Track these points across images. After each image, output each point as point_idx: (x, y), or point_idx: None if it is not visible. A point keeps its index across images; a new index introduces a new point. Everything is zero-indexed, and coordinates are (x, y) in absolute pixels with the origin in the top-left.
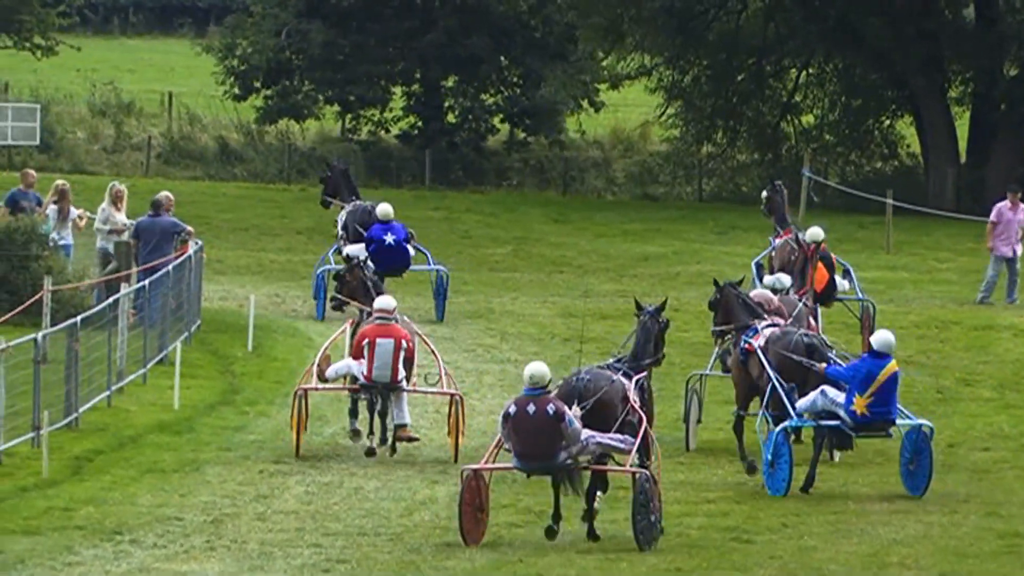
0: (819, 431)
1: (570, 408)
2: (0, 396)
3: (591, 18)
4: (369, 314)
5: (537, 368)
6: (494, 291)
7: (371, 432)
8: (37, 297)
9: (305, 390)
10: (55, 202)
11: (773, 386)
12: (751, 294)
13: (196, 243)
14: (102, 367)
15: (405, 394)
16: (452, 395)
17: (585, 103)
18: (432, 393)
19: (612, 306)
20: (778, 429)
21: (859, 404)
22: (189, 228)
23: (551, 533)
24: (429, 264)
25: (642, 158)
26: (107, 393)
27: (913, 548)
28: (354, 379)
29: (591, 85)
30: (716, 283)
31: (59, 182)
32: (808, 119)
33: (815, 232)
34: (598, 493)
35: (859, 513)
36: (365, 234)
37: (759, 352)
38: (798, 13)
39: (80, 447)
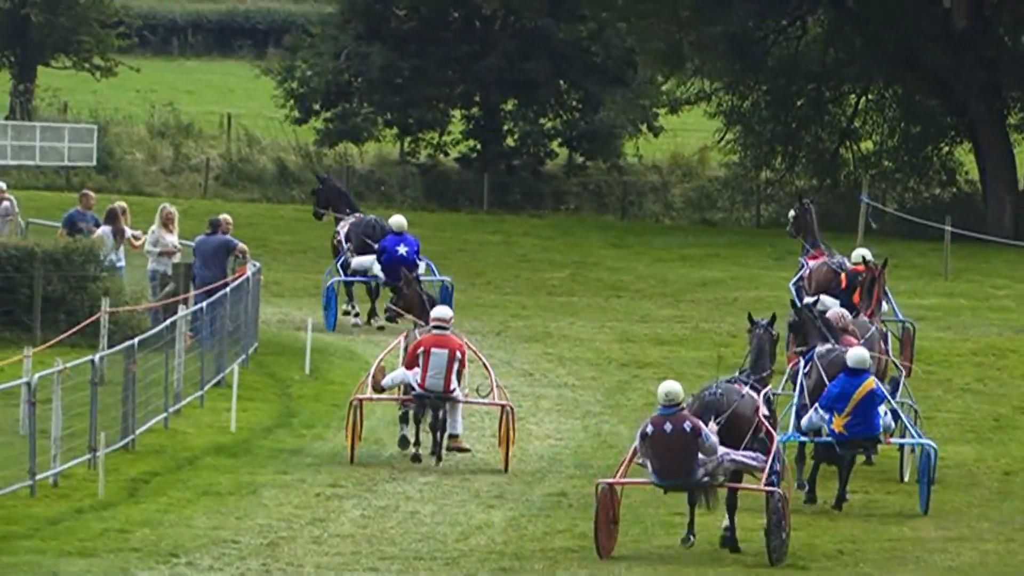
0: (813, 447)
1: (707, 423)
2: (57, 417)
3: (651, 43)
4: (420, 327)
5: (671, 386)
6: (551, 315)
7: (417, 441)
8: (94, 318)
9: (360, 400)
10: (109, 223)
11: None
12: (828, 314)
13: (254, 265)
14: (159, 389)
15: (460, 404)
16: (503, 406)
17: (644, 128)
18: (484, 404)
19: (669, 331)
20: (776, 440)
21: (837, 423)
22: (242, 245)
23: (686, 541)
24: (434, 275)
25: (700, 183)
26: (164, 415)
27: None
28: (408, 388)
29: (650, 110)
30: (794, 305)
31: (119, 204)
32: (867, 145)
33: (859, 254)
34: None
35: (915, 540)
36: (376, 245)
37: (800, 367)
38: (857, 39)
39: (136, 469)
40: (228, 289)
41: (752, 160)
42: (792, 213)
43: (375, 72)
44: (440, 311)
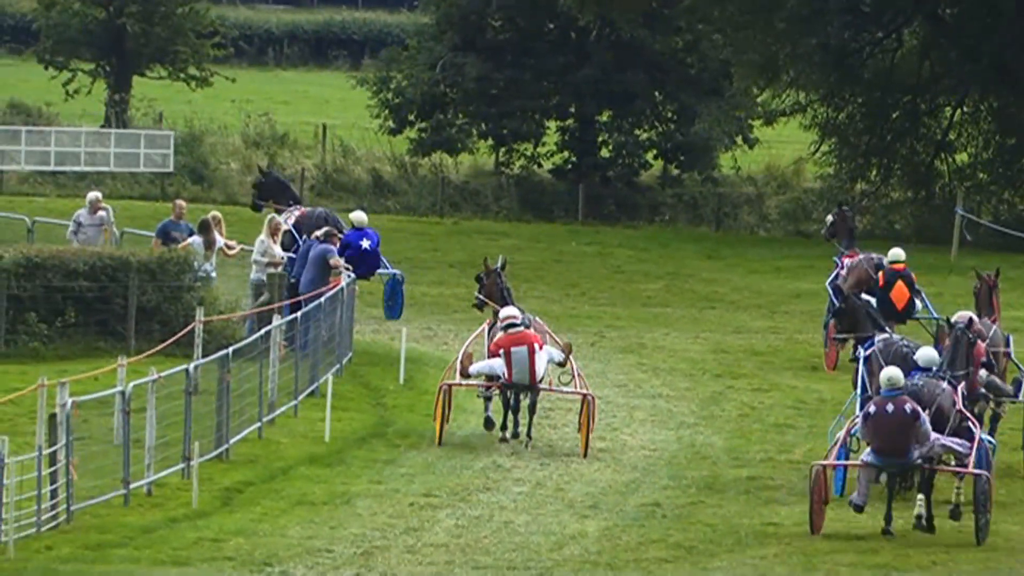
0: None
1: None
2: (151, 427)
3: (746, 55)
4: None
5: (894, 371)
6: (646, 326)
7: (504, 426)
8: (189, 328)
9: (449, 385)
10: (201, 233)
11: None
12: (956, 316)
13: (349, 276)
14: (253, 399)
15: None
16: (584, 395)
17: (739, 139)
18: (567, 393)
19: (764, 342)
20: (839, 435)
21: None
22: (337, 259)
23: (887, 534)
24: (387, 268)
25: (795, 195)
26: (258, 425)
27: None
28: (496, 377)
29: (745, 121)
30: (842, 292)
31: (212, 214)
32: (962, 157)
33: (896, 253)
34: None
35: (1009, 551)
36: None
37: (860, 360)
38: (953, 51)
39: (230, 478)
40: (323, 299)
41: (847, 172)
42: (829, 218)
43: (470, 83)
44: (508, 311)
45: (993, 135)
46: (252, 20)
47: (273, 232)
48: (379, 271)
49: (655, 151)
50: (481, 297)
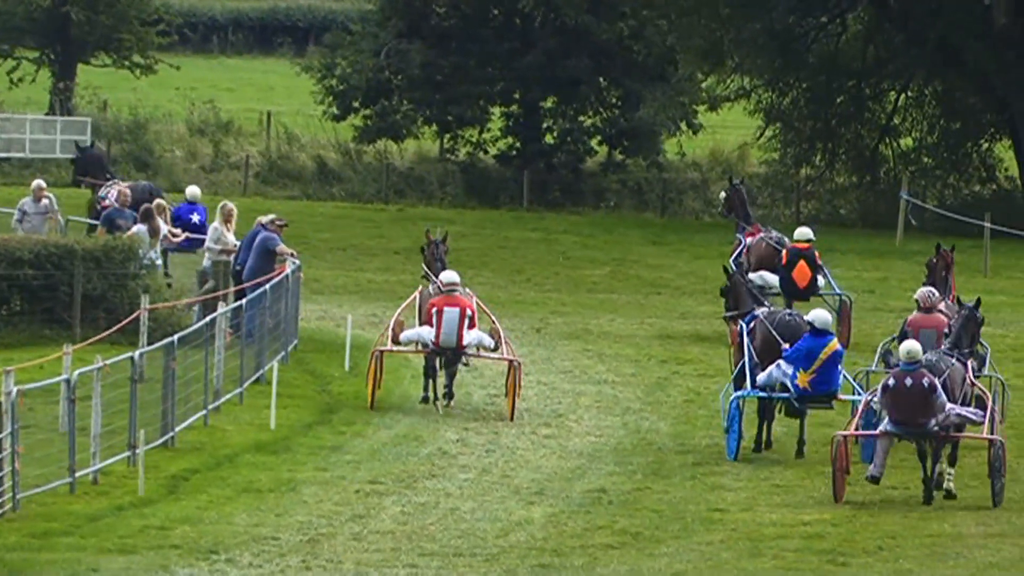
0: (765, 402)
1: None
2: (97, 414)
3: (691, 40)
4: (437, 286)
5: (913, 345)
6: (591, 312)
7: (426, 388)
8: (135, 316)
9: (381, 351)
10: (144, 221)
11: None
12: (917, 293)
13: (294, 262)
14: (199, 386)
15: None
16: (511, 361)
17: (684, 125)
18: (493, 359)
19: (710, 328)
20: (733, 398)
21: (802, 379)
22: (282, 247)
23: (929, 500)
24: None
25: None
26: (204, 412)
27: (1010, 572)
28: (424, 344)
29: (690, 107)
30: (726, 270)
31: (157, 201)
32: (907, 142)
33: (803, 232)
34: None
35: (955, 536)
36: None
37: (743, 332)
38: (898, 36)
39: (176, 466)
40: (268, 286)
41: (792, 157)
42: (723, 194)
43: (415, 69)
44: (449, 275)
45: (938, 119)
46: (196, 7)
47: (227, 219)
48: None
49: (600, 137)
50: (425, 268)
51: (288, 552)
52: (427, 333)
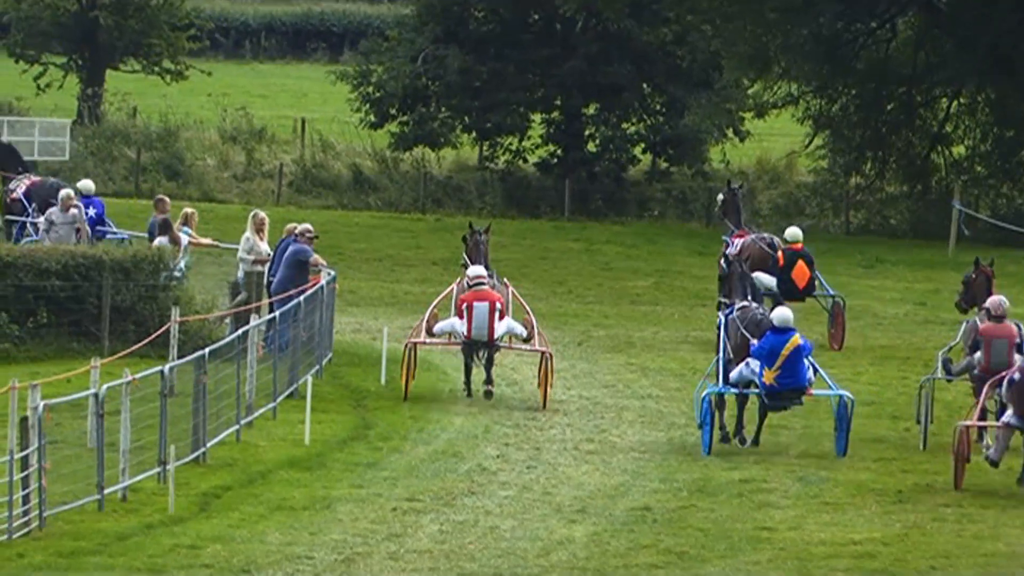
0: (740, 398)
1: None
2: (126, 430)
3: (736, 46)
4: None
5: None
6: (635, 325)
7: (467, 383)
8: (164, 328)
9: (414, 343)
10: (163, 233)
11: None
12: (989, 301)
13: (328, 274)
14: (231, 401)
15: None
16: (543, 352)
17: (730, 132)
18: (525, 350)
19: None
20: (704, 394)
21: (768, 376)
22: (316, 257)
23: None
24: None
25: (788, 189)
26: (236, 427)
27: None
28: (457, 336)
29: (736, 114)
30: (727, 258)
31: (186, 209)
32: (959, 150)
33: (794, 233)
34: None
35: (1010, 555)
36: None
37: (721, 323)
38: (949, 42)
39: (208, 483)
40: (302, 298)
41: (841, 166)
42: (720, 196)
43: (453, 75)
44: (476, 270)
45: (991, 127)
46: (228, 12)
47: (259, 228)
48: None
49: (643, 145)
50: (466, 258)
51: (323, 572)
52: (460, 325)
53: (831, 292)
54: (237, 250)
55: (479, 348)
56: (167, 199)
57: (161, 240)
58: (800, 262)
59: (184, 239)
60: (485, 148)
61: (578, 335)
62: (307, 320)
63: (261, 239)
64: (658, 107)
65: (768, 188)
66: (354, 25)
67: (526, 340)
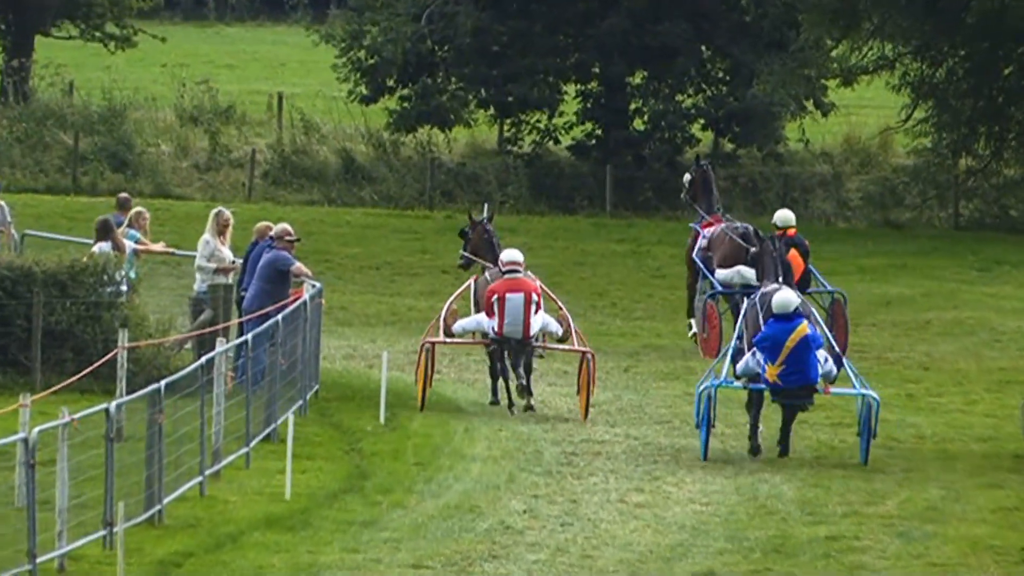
0: (755, 396)
1: None
2: (64, 484)
3: None
4: (491, 271)
5: None
6: (694, 346)
7: (495, 391)
8: (110, 356)
9: (432, 343)
10: (102, 235)
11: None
12: None
13: (313, 286)
14: (193, 446)
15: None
16: (584, 352)
17: (810, 104)
18: (563, 350)
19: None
20: (701, 388)
21: (771, 373)
22: (299, 265)
23: None
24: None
25: (883, 174)
26: (200, 479)
27: None
28: (484, 335)
29: (817, 82)
30: (758, 234)
31: (137, 209)
32: None
33: (786, 217)
34: None
35: None
36: None
37: (743, 311)
38: None
39: (165, 549)
40: (280, 317)
41: (948, 145)
42: (688, 176)
43: (465, 37)
44: (511, 254)
45: None
46: None
47: (222, 230)
48: None
49: (702, 121)
50: (467, 255)
51: None
52: (487, 322)
53: (829, 288)
54: (195, 258)
55: (511, 347)
56: (130, 198)
57: (102, 246)
58: (794, 251)
59: (129, 245)
60: (506, 128)
61: (624, 359)
62: (287, 344)
63: (224, 243)
64: (720, 74)
65: (858, 173)
66: None
67: (562, 340)
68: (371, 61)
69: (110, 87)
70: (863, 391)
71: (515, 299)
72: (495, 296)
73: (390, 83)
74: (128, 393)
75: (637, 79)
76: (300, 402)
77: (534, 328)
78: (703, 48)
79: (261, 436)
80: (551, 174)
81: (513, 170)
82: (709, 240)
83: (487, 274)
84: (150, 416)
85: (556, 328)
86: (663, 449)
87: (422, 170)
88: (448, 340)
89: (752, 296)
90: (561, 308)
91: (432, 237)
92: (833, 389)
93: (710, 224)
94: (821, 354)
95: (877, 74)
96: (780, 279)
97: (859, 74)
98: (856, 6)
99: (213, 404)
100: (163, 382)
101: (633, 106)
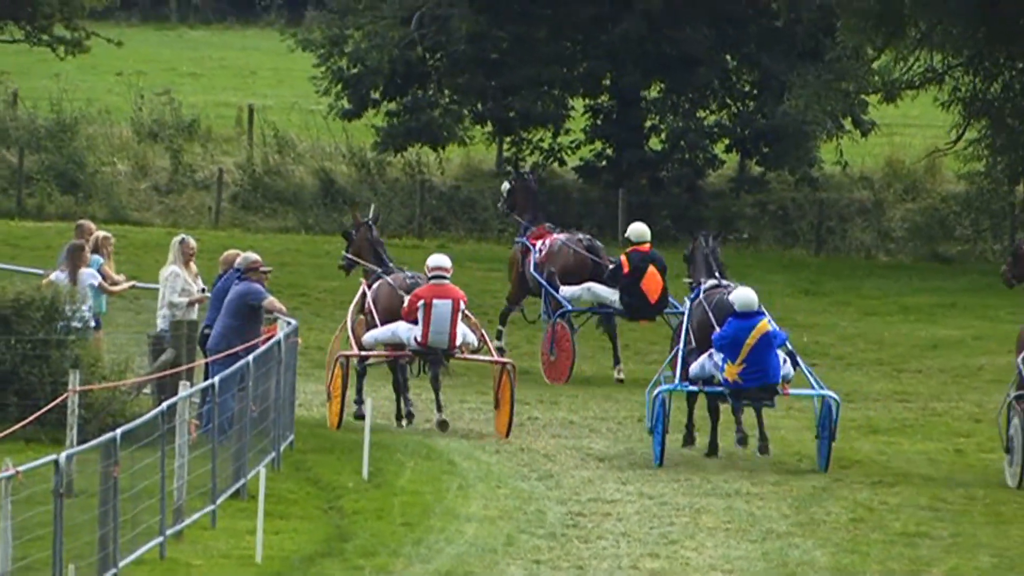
0: (690, 397)
1: None
2: (6, 544)
3: (857, 0)
4: (378, 275)
5: None
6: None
7: (400, 405)
8: (59, 400)
9: (347, 357)
10: (75, 266)
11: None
12: None
13: (288, 323)
14: (153, 503)
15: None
16: (504, 364)
17: (848, 123)
18: (483, 361)
19: (886, 415)
20: (656, 393)
21: (730, 372)
22: (271, 299)
23: None
24: None
25: (930, 202)
26: (159, 540)
27: None
28: (399, 346)
29: (856, 97)
30: (691, 233)
31: (99, 233)
32: None
33: (640, 231)
34: None
35: None
36: None
37: (686, 310)
38: None
39: None
40: (251, 358)
41: (1004, 169)
42: (506, 186)
43: (460, 44)
44: (438, 259)
45: None
46: None
47: (188, 259)
48: None
49: (727, 141)
50: (349, 256)
51: None
52: (405, 331)
53: (681, 309)
54: (158, 291)
55: (433, 358)
56: (91, 225)
57: (59, 276)
58: (651, 268)
59: (88, 278)
60: (506, 146)
61: (638, 408)
62: (259, 389)
63: (191, 272)
64: (747, 87)
65: (901, 200)
66: None
67: (477, 350)
68: (354, 70)
69: (59, 98)
70: (823, 391)
71: (442, 306)
72: (421, 302)
73: (375, 95)
74: (80, 443)
75: (653, 92)
76: (273, 454)
77: (459, 338)
78: (728, 57)
79: (229, 492)
80: (557, 199)
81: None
82: (546, 253)
83: (390, 279)
84: (104, 469)
85: (472, 340)
86: (681, 509)
87: (411, 194)
88: (364, 353)
89: (695, 293)
90: (470, 317)
91: (422, 269)
92: (792, 390)
93: (539, 236)
94: (780, 354)
95: (924, 89)
96: (717, 275)
97: (903, 88)
98: (900, 10)
99: (175, 456)
100: (119, 430)
101: (649, 123)
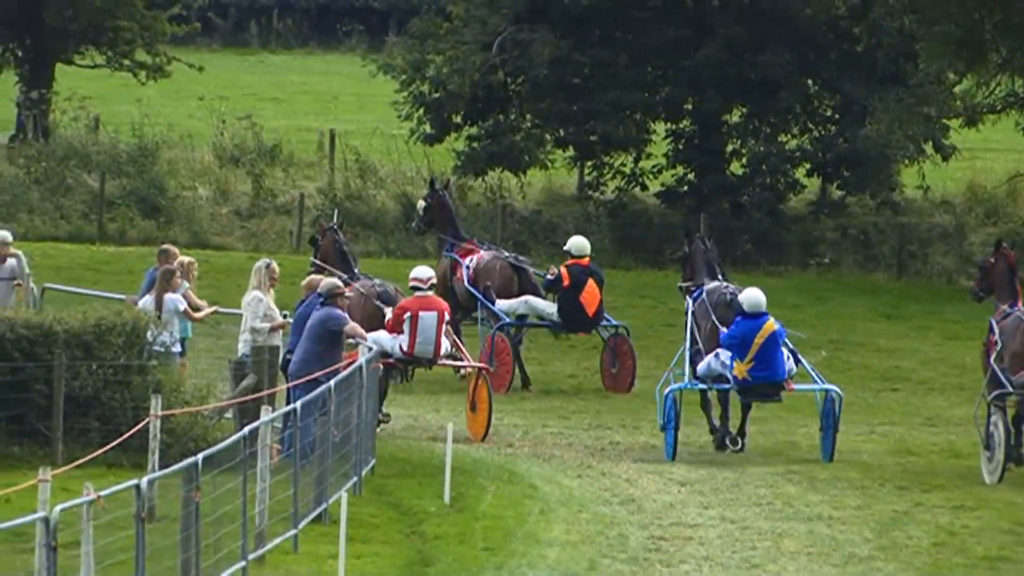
0: (722, 394)
1: None
2: (87, 568)
3: (939, 25)
4: (345, 281)
5: None
6: (799, 417)
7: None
8: (140, 426)
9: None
10: (155, 290)
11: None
12: None
13: (369, 348)
14: (234, 527)
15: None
16: (481, 368)
17: (929, 147)
18: (461, 366)
19: (969, 439)
20: (668, 391)
21: (739, 369)
22: (353, 324)
23: None
24: None
25: (1012, 227)
26: (242, 564)
27: None
28: (385, 354)
29: (937, 122)
30: (687, 235)
31: (182, 258)
32: None
33: (581, 245)
34: None
35: None
36: None
37: (688, 307)
38: None
39: None
40: (332, 383)
41: None
42: (422, 203)
43: (542, 68)
44: (420, 271)
45: None
46: None
47: (273, 283)
48: None
49: (808, 165)
50: (317, 262)
51: None
52: (388, 341)
53: (613, 322)
54: (241, 317)
55: (418, 366)
56: (175, 250)
57: (148, 301)
58: (590, 281)
59: (176, 303)
60: (587, 171)
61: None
62: (340, 414)
63: (271, 297)
64: (828, 112)
65: (983, 225)
66: (402, 1)
67: (454, 357)
68: (435, 95)
69: (140, 122)
70: (825, 386)
71: (428, 318)
72: (407, 314)
73: (456, 120)
74: (161, 467)
75: (735, 117)
76: (354, 479)
77: (443, 348)
78: (809, 82)
79: (311, 516)
80: (638, 224)
81: (595, 219)
82: (475, 270)
83: (359, 286)
84: (185, 494)
85: (447, 346)
86: (763, 534)
87: (492, 218)
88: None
89: (697, 293)
90: (451, 329)
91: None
92: (795, 385)
93: (468, 252)
94: (784, 352)
95: (1005, 113)
96: (719, 276)
97: (985, 113)
98: (982, 35)
99: (257, 480)
100: (200, 455)
101: (730, 147)
